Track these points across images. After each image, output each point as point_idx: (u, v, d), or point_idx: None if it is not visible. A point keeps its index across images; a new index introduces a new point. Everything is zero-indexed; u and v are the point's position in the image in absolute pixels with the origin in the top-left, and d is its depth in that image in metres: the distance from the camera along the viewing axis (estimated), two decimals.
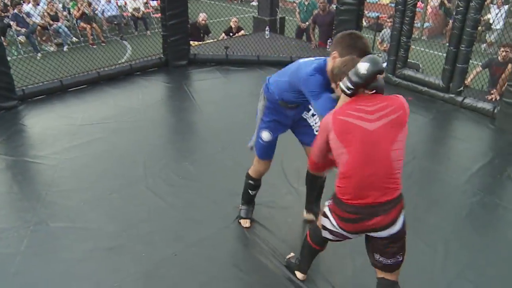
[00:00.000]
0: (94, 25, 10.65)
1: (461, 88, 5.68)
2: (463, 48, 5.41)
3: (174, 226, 3.36)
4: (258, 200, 3.55)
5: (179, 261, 3.03)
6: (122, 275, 2.88)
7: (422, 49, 8.15)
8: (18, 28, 9.68)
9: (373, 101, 2.12)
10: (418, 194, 3.84)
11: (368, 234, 2.24)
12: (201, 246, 3.17)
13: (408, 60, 6.37)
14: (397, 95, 2.19)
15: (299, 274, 2.87)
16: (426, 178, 4.15)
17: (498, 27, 9.79)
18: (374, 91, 2.17)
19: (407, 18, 5.90)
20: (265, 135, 3.01)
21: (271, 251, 3.11)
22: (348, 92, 2.14)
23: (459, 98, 5.67)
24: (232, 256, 3.10)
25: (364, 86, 2.13)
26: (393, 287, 2.32)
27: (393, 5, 11.78)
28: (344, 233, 2.29)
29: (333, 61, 2.38)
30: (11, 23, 9.68)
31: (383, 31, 8.03)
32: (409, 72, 6.19)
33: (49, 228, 3.30)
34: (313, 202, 3.33)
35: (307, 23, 9.03)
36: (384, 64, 6.60)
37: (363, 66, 2.08)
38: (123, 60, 8.58)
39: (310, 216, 3.37)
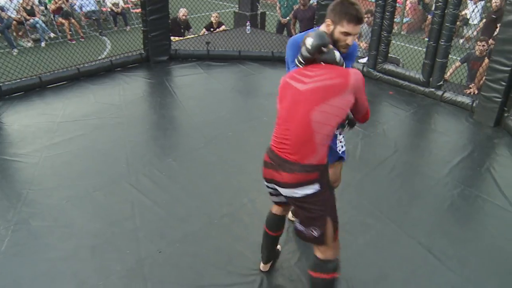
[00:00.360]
0: (73, 20, 10.47)
1: (441, 82, 5.76)
2: (442, 43, 5.48)
3: (158, 223, 3.34)
4: (243, 195, 3.55)
5: (164, 258, 3.01)
6: (107, 273, 2.86)
7: (402, 44, 8.22)
8: None
9: (317, 68, 2.28)
10: (400, 187, 3.89)
11: (277, 188, 2.35)
12: (185, 242, 3.16)
13: (389, 54, 6.43)
14: (352, 69, 2.28)
15: (261, 265, 2.94)
16: (408, 171, 4.20)
17: (475, 22, 9.96)
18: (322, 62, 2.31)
19: (387, 13, 5.94)
20: None
21: (256, 247, 3.11)
22: (301, 66, 2.36)
23: (439, 92, 5.75)
24: (217, 252, 3.08)
25: (313, 59, 2.29)
26: (323, 266, 2.35)
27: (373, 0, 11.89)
28: (266, 183, 2.42)
29: (327, 28, 2.43)
30: None
31: (360, 27, 8.07)
32: (389, 67, 6.24)
33: (31, 227, 3.24)
34: None
35: (287, 18, 9.04)
36: (365, 59, 6.66)
37: (308, 41, 2.27)
38: (102, 56, 8.48)
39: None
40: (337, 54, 2.30)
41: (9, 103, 5.32)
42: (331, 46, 2.31)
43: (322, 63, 2.30)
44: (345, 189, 3.75)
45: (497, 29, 8.54)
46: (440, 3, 5.38)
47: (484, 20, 9.48)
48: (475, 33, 9.72)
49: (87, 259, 2.97)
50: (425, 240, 3.23)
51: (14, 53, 8.85)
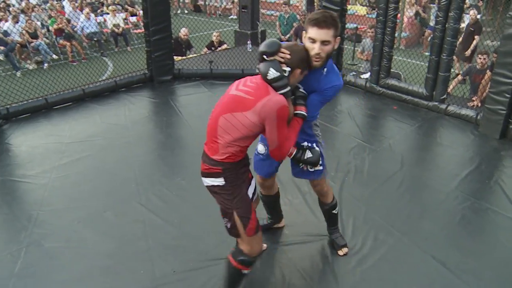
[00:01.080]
0: (74, 42, 10.57)
1: (444, 96, 5.79)
2: (444, 57, 5.53)
3: (171, 242, 3.34)
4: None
5: (178, 277, 3.00)
6: None
7: (402, 58, 8.29)
8: None
9: (255, 79, 2.32)
10: (410, 202, 3.88)
11: None
12: (199, 261, 3.15)
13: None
14: (273, 97, 2.22)
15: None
16: (417, 185, 4.20)
17: None
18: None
19: (388, 29, 6.00)
20: (260, 147, 2.99)
21: (270, 262, 3.11)
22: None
23: (443, 106, 5.78)
24: None
25: None
26: (235, 253, 2.58)
27: (370, 16, 12.03)
28: None
29: (304, 40, 2.47)
30: None
31: (363, 41, 8.19)
32: (392, 82, 6.28)
33: (43, 248, 3.24)
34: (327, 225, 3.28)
35: (288, 35, 9.13)
36: (367, 75, 6.71)
37: None
38: (105, 77, 8.54)
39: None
40: (271, 71, 2.23)
41: (16, 125, 5.34)
42: (278, 59, 2.28)
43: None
44: (355, 205, 3.76)
45: (474, 41, 8.70)
46: (440, 18, 5.44)
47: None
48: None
49: (100, 280, 2.96)
50: (439, 254, 3.22)
51: (18, 75, 8.91)
